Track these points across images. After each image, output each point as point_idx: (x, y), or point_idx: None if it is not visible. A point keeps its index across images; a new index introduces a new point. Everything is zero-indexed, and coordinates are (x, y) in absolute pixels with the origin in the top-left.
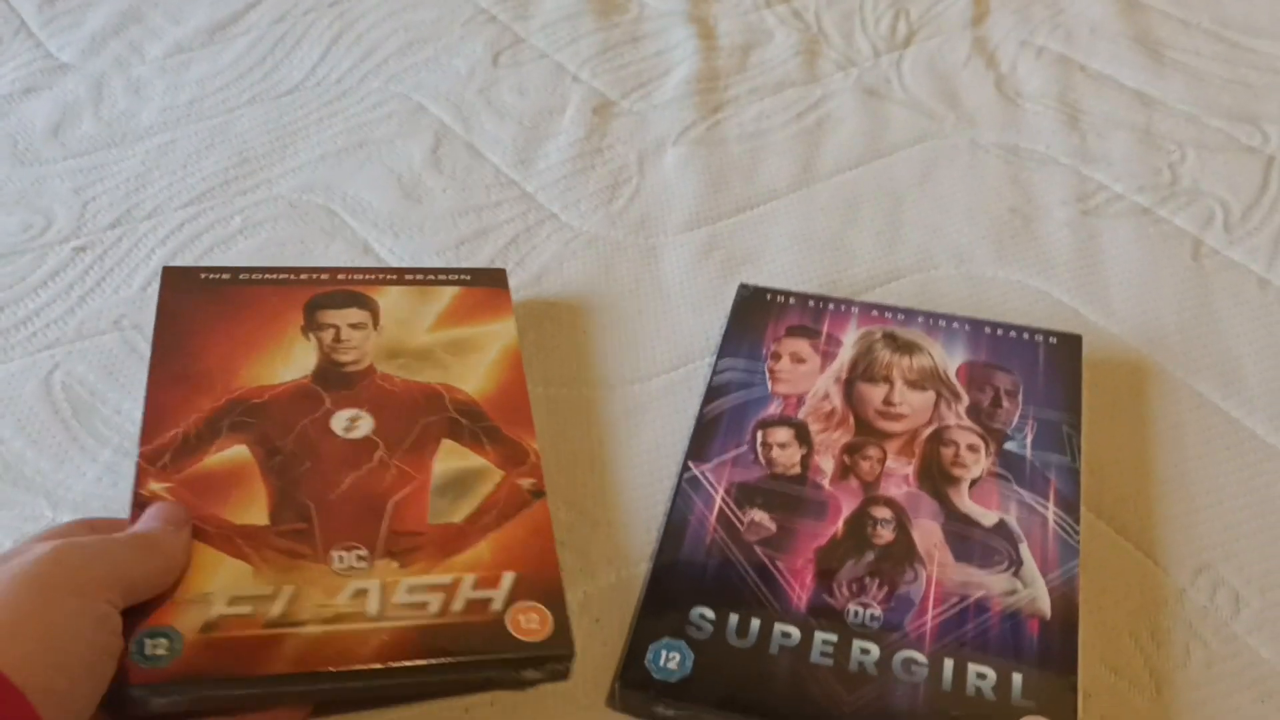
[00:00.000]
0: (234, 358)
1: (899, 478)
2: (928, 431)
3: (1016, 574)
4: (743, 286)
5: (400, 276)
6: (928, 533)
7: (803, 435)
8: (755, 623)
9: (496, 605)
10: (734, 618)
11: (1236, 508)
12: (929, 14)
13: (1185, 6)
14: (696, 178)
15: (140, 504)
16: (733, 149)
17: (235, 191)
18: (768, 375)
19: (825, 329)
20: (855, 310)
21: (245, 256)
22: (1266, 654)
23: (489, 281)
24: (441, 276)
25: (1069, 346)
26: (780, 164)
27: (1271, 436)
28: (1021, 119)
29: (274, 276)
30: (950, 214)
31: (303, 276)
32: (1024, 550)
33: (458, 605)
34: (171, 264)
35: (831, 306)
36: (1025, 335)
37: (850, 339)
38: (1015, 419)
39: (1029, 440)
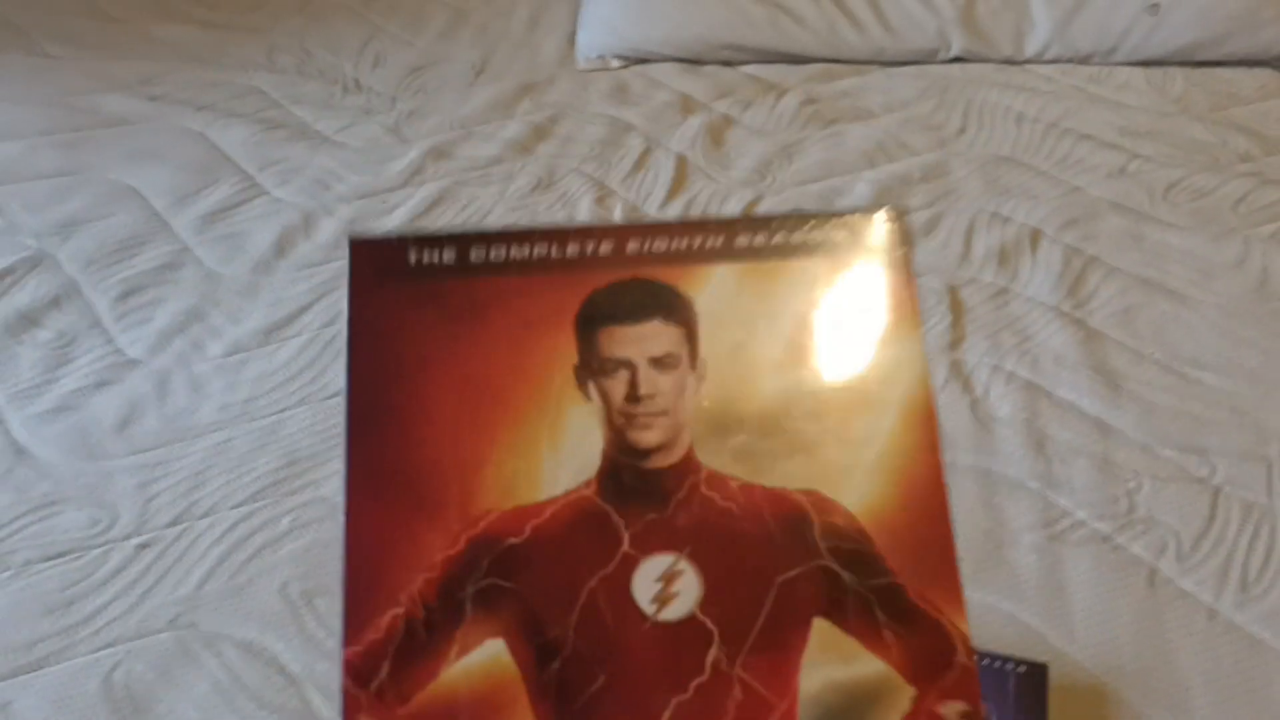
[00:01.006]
0: (472, 442)
1: None
2: None
3: None
4: None
5: (729, 240)
6: None
7: None
8: None
9: None
10: None
11: None
12: None
13: (1138, 338)
14: None
15: None
16: None
17: (284, 492)
18: None
19: None
20: None
21: (293, 558)
22: None
23: (871, 249)
24: (799, 233)
25: (1036, 676)
26: None
27: None
28: (995, 443)
29: (521, 254)
30: None
31: (570, 249)
32: None
33: None
34: (229, 558)
35: None
36: (996, 664)
37: None
38: None
39: None
